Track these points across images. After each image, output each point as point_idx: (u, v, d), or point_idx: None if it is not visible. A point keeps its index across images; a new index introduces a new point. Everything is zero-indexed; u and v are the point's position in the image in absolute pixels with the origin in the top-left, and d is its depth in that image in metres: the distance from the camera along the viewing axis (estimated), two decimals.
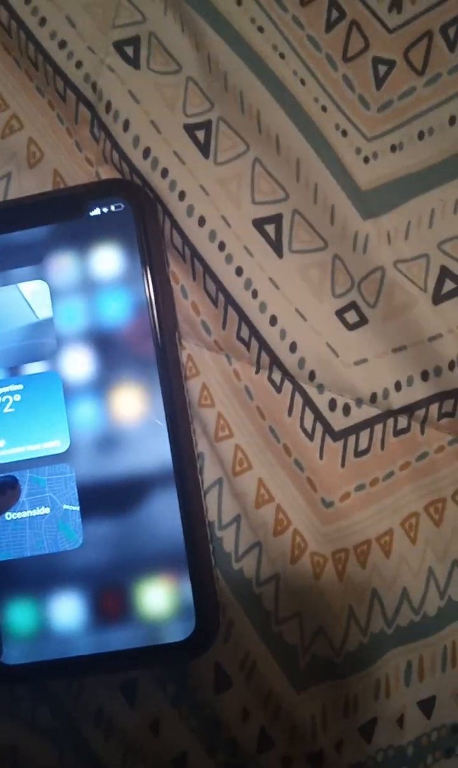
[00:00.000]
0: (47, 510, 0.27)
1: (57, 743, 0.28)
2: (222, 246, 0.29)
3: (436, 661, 0.28)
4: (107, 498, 0.27)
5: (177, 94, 0.30)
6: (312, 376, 0.29)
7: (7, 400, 0.28)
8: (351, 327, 0.29)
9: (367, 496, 0.28)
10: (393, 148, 0.30)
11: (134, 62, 0.30)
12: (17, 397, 0.28)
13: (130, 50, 0.30)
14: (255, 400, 0.29)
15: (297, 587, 0.28)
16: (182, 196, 0.29)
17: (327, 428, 0.29)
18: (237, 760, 0.28)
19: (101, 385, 0.28)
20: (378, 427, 0.29)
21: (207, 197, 0.29)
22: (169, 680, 0.28)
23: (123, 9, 0.31)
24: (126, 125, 0.30)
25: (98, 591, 0.27)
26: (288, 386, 0.29)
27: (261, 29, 0.31)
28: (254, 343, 0.29)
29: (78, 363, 0.28)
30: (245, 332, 0.29)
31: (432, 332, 0.28)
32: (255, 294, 0.29)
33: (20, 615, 0.27)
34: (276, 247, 0.29)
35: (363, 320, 0.29)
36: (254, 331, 0.29)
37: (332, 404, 0.29)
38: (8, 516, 0.27)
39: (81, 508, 0.27)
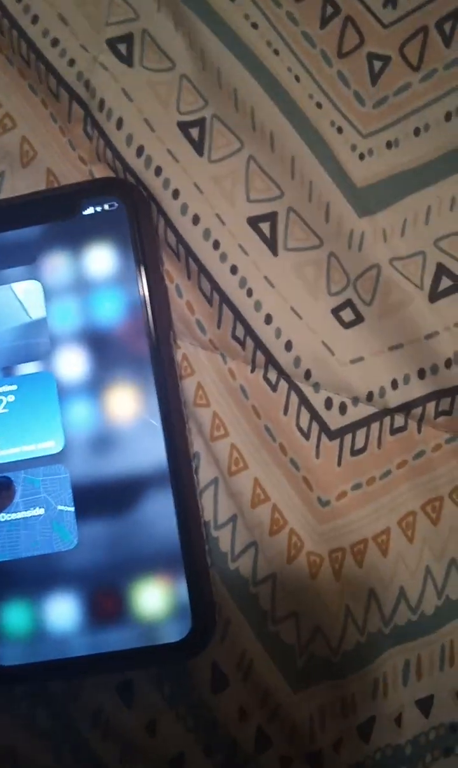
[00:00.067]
0: (42, 511, 0.27)
1: (55, 744, 0.28)
2: (216, 244, 0.29)
3: (434, 660, 0.28)
4: (102, 498, 0.27)
5: (170, 92, 0.30)
6: (307, 374, 0.29)
7: (1, 400, 0.28)
8: (347, 325, 0.29)
9: (364, 495, 0.28)
10: (388, 145, 0.30)
11: (127, 60, 0.30)
12: (11, 398, 0.28)
13: (123, 48, 0.30)
14: (250, 399, 0.29)
15: (293, 587, 0.28)
16: (176, 194, 0.29)
17: (324, 427, 0.29)
18: (235, 760, 0.28)
19: (95, 385, 0.28)
20: (375, 426, 0.29)
21: (201, 195, 0.29)
22: (166, 680, 0.28)
23: (116, 6, 0.31)
24: (119, 123, 0.30)
25: (94, 592, 0.26)
26: (283, 385, 0.29)
27: (255, 25, 0.30)
28: (249, 342, 0.29)
29: (72, 363, 0.28)
30: (240, 331, 0.29)
31: (429, 330, 0.28)
32: (250, 293, 0.29)
33: (16, 616, 0.26)
34: (271, 245, 0.29)
35: (359, 318, 0.29)
36: (249, 330, 0.29)
37: (328, 403, 0.29)
38: (2, 517, 0.27)
39: (76, 509, 0.27)
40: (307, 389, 0.29)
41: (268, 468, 0.28)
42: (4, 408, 0.28)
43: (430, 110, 0.30)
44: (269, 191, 0.30)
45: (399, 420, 0.29)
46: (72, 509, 0.27)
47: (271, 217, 0.30)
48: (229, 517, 0.28)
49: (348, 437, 0.29)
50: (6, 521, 0.27)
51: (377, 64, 0.30)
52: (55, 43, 0.30)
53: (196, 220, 0.29)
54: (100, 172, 0.31)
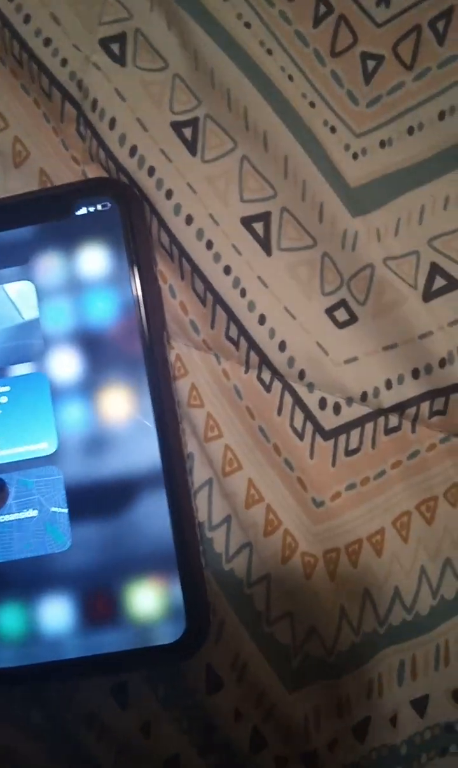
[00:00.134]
0: (35, 512, 0.27)
1: (50, 745, 0.28)
2: (210, 245, 0.29)
3: (429, 660, 0.28)
4: (96, 500, 0.27)
5: (163, 92, 0.30)
6: (301, 375, 0.28)
7: None
8: (340, 325, 0.29)
9: (358, 495, 0.28)
10: (382, 144, 0.30)
11: (120, 59, 0.30)
12: (4, 399, 0.28)
13: (116, 47, 0.30)
14: (244, 399, 0.29)
15: (288, 587, 0.28)
16: (169, 194, 0.29)
17: (318, 427, 0.29)
18: (230, 761, 0.28)
19: (89, 386, 0.27)
20: (369, 426, 0.29)
21: (194, 195, 0.29)
22: (160, 682, 0.28)
23: (109, 6, 0.31)
24: (112, 123, 0.29)
25: (88, 593, 0.26)
26: (277, 385, 0.29)
27: (248, 25, 0.30)
28: (243, 343, 0.29)
29: (65, 364, 0.28)
30: (234, 331, 0.29)
31: (423, 330, 0.28)
32: (243, 293, 0.29)
33: (9, 618, 0.26)
34: (265, 245, 0.29)
35: (352, 318, 0.29)
36: (243, 331, 0.29)
37: (322, 403, 0.29)
38: None
39: (69, 511, 0.27)
40: (301, 389, 0.29)
41: (262, 468, 0.28)
42: None
43: (424, 109, 0.30)
44: (262, 191, 0.30)
45: (393, 420, 0.29)
46: (65, 511, 0.27)
47: (265, 217, 0.29)
48: (224, 518, 0.28)
49: (342, 437, 0.29)
50: None
51: (370, 64, 0.30)
52: (47, 42, 0.30)
53: (189, 220, 0.29)
54: (93, 172, 0.30)
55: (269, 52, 0.30)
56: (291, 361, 0.28)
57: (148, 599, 0.26)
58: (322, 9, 0.31)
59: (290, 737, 0.28)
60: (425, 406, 0.28)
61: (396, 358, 0.28)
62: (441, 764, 0.28)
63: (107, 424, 0.27)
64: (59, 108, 0.31)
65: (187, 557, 0.26)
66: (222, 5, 0.30)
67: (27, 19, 0.31)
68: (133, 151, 0.29)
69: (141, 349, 0.27)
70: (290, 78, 0.30)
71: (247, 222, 0.29)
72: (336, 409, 0.29)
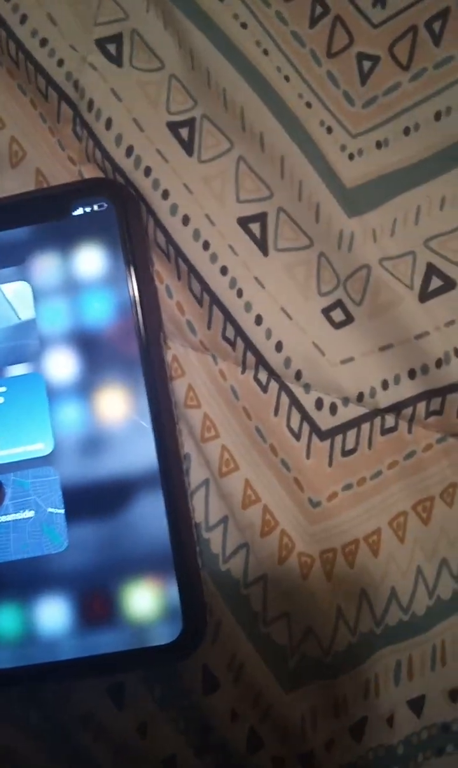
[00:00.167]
0: (31, 513, 0.27)
1: (49, 745, 0.28)
2: (206, 245, 0.29)
3: (425, 660, 0.28)
4: (92, 501, 0.27)
5: (160, 92, 0.30)
6: (298, 375, 0.28)
7: None
8: (337, 325, 0.29)
9: (355, 496, 0.28)
10: (378, 145, 0.30)
11: (117, 60, 0.30)
12: (0, 400, 0.28)
13: (112, 48, 0.30)
14: (241, 400, 0.29)
15: (285, 588, 0.28)
16: (165, 194, 0.29)
17: (314, 428, 0.29)
18: (227, 761, 0.28)
19: (85, 387, 0.27)
20: (366, 426, 0.29)
21: (190, 196, 0.29)
22: (157, 682, 0.28)
23: (105, 6, 0.31)
24: (108, 123, 0.29)
25: (84, 594, 0.26)
26: (274, 386, 0.29)
27: (244, 25, 0.30)
28: (240, 343, 0.29)
29: (61, 364, 0.28)
30: (230, 332, 0.29)
31: (419, 330, 0.28)
32: (240, 293, 0.29)
33: (6, 619, 0.26)
34: (262, 245, 0.29)
35: (349, 318, 0.29)
36: (239, 331, 0.29)
37: (319, 403, 0.29)
38: None
39: (66, 511, 0.27)
40: (298, 390, 0.29)
41: (259, 469, 0.28)
42: None
43: (420, 110, 0.30)
44: (259, 191, 0.30)
45: (389, 420, 0.29)
46: (62, 511, 0.27)
47: (261, 218, 0.29)
48: (220, 519, 0.28)
49: (338, 438, 0.29)
50: None
51: (366, 64, 0.30)
52: (43, 43, 0.30)
53: (185, 220, 0.29)
54: (90, 172, 0.30)
55: (265, 52, 0.30)
56: (287, 362, 0.28)
57: (145, 600, 0.26)
58: (318, 9, 0.30)
59: (287, 737, 0.28)
60: (421, 407, 0.28)
61: (392, 359, 0.28)
62: (438, 764, 0.28)
63: (104, 425, 0.27)
64: (56, 108, 0.31)
65: (183, 558, 0.26)
66: (218, 6, 0.30)
67: (23, 19, 0.31)
68: (129, 151, 0.29)
69: (137, 350, 0.27)
70: (286, 78, 0.30)
71: (244, 222, 0.29)
72: (333, 409, 0.29)
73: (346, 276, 0.29)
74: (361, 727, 0.28)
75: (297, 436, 0.29)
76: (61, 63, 0.30)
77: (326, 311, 0.29)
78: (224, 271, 0.29)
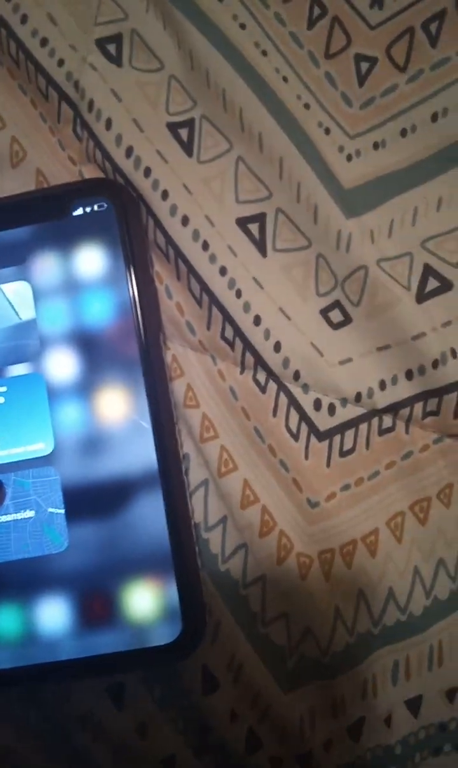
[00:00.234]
0: (32, 513, 0.27)
1: (48, 745, 0.28)
2: (205, 246, 0.29)
3: (423, 660, 0.28)
4: (92, 501, 0.27)
5: (159, 93, 0.30)
6: (296, 375, 0.29)
7: None
8: (335, 326, 0.29)
9: (353, 496, 0.28)
10: (375, 146, 0.30)
11: (116, 60, 0.30)
12: (0, 400, 0.28)
13: (112, 48, 0.30)
14: (240, 400, 0.29)
15: (283, 588, 0.28)
16: (165, 195, 0.29)
17: (313, 428, 0.29)
18: (226, 761, 0.28)
19: (85, 387, 0.27)
20: (363, 427, 0.29)
21: (190, 196, 0.29)
22: (156, 683, 0.28)
23: (105, 6, 0.31)
24: (108, 124, 0.29)
25: (84, 594, 0.26)
26: (272, 386, 0.29)
27: (243, 26, 0.30)
28: (238, 344, 0.29)
29: (62, 364, 0.28)
30: (229, 332, 0.29)
31: (416, 331, 0.28)
32: (239, 294, 0.29)
33: (6, 619, 0.26)
34: (260, 246, 0.29)
35: (347, 319, 0.29)
36: (238, 332, 0.29)
37: (317, 404, 0.29)
38: None
39: (66, 511, 0.27)
40: (296, 390, 0.29)
41: (258, 469, 0.29)
42: None
43: (417, 111, 0.30)
44: (258, 192, 0.30)
45: (387, 421, 0.29)
46: (62, 511, 0.27)
47: (260, 218, 0.30)
48: (219, 519, 0.28)
49: (336, 438, 0.29)
50: None
51: (364, 65, 0.30)
52: (44, 43, 0.30)
53: (185, 221, 0.29)
54: (90, 172, 0.30)
55: (264, 53, 0.30)
56: (286, 362, 0.29)
57: (145, 600, 0.26)
58: (317, 11, 0.31)
59: (285, 738, 0.28)
60: (418, 407, 0.28)
61: (389, 359, 0.28)
62: (435, 764, 0.28)
63: (103, 425, 0.27)
64: (56, 108, 0.31)
65: (183, 558, 0.26)
66: (217, 6, 0.31)
67: (24, 19, 0.31)
68: (129, 151, 0.29)
69: (137, 350, 0.27)
70: (285, 79, 0.30)
71: (243, 223, 0.29)
72: (331, 409, 0.29)
73: (344, 277, 0.29)
74: (359, 727, 0.28)
75: (296, 437, 0.29)
76: (61, 63, 0.30)
77: (324, 312, 0.29)
78: (223, 271, 0.29)
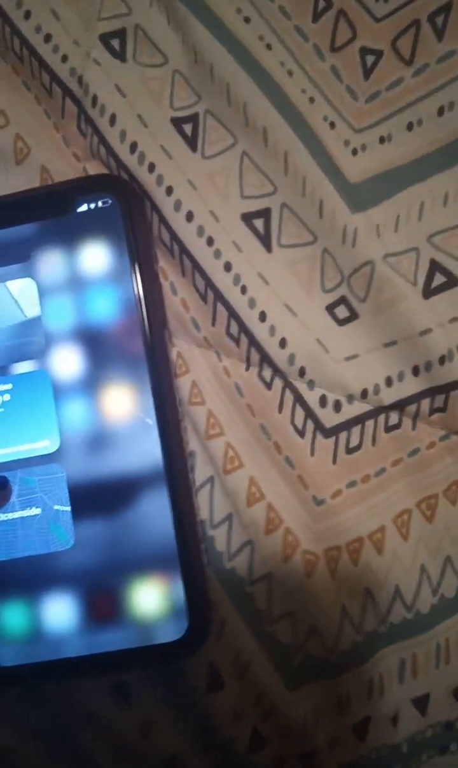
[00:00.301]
0: (38, 510, 0.27)
1: (50, 745, 0.28)
2: (210, 241, 0.29)
3: (430, 658, 0.28)
4: (98, 498, 0.27)
5: (163, 88, 0.30)
6: (302, 372, 0.28)
7: None
8: (341, 322, 0.29)
9: (359, 493, 0.28)
10: (381, 140, 0.29)
11: (120, 55, 0.30)
12: (6, 397, 0.28)
13: (116, 43, 0.30)
14: (245, 397, 0.29)
15: (289, 586, 0.28)
16: (170, 191, 0.29)
17: (318, 425, 0.29)
18: (230, 760, 0.28)
19: (91, 384, 0.27)
20: (370, 423, 0.28)
21: (195, 192, 0.29)
22: (161, 681, 0.28)
23: (108, 1, 0.31)
24: (112, 119, 0.29)
25: (90, 592, 0.26)
26: (278, 383, 0.29)
27: (247, 20, 0.30)
28: (244, 340, 0.29)
29: (67, 361, 0.28)
30: (234, 329, 0.29)
31: (423, 327, 0.28)
32: (244, 290, 0.29)
33: (12, 616, 0.27)
34: (265, 241, 0.29)
35: (353, 315, 0.29)
36: (243, 328, 0.29)
37: (323, 401, 0.29)
38: None
39: (72, 509, 0.27)
40: (302, 387, 0.29)
41: (263, 466, 0.28)
42: (0, 407, 0.28)
43: (423, 105, 0.29)
44: (263, 187, 0.29)
45: (393, 417, 0.28)
46: (68, 509, 0.27)
47: (265, 214, 0.29)
48: (225, 516, 0.28)
49: (343, 435, 0.28)
50: (2, 521, 0.27)
51: (369, 59, 0.30)
52: (47, 38, 0.30)
53: (189, 216, 0.29)
54: (94, 168, 0.30)
55: (268, 47, 0.30)
56: (291, 359, 0.28)
57: (150, 597, 0.26)
58: (321, 4, 0.30)
59: (290, 736, 0.28)
60: (425, 404, 0.28)
61: (396, 356, 0.28)
62: (442, 763, 0.27)
63: (109, 422, 0.27)
64: (60, 104, 0.31)
65: (188, 555, 0.26)
66: (221, 0, 0.30)
67: (27, 15, 0.31)
68: (133, 147, 0.29)
69: (142, 347, 0.27)
70: (289, 73, 0.30)
71: (248, 218, 0.29)
72: (337, 406, 0.29)
73: (350, 272, 0.29)
74: (365, 725, 0.28)
75: (302, 434, 0.29)
76: (65, 59, 0.30)
77: (330, 308, 0.29)
78: (228, 267, 0.29)
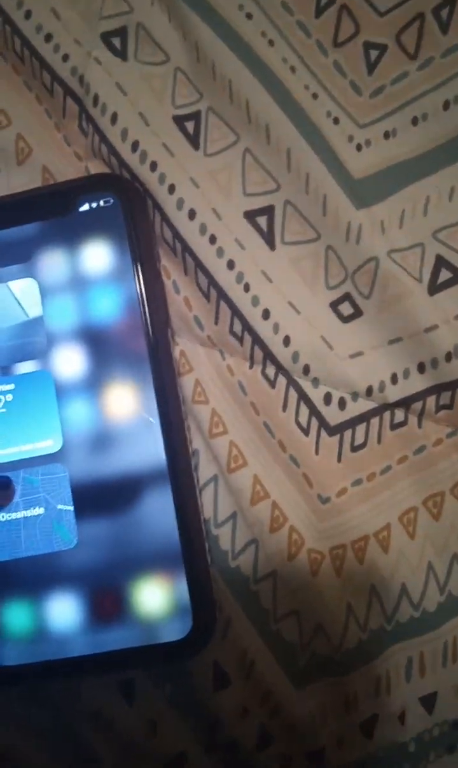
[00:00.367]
0: (41, 510, 0.27)
1: (55, 743, 0.28)
2: (213, 239, 0.29)
3: (437, 656, 0.28)
4: (101, 497, 0.27)
5: (165, 86, 0.30)
6: (306, 370, 0.28)
7: None
8: (345, 319, 0.29)
9: (364, 491, 0.28)
10: (386, 135, 0.29)
11: (122, 54, 0.30)
12: (9, 397, 0.28)
13: (117, 42, 0.30)
14: (249, 395, 0.29)
15: (294, 584, 0.28)
16: (172, 189, 0.29)
17: (323, 423, 0.28)
18: (236, 758, 0.28)
19: (93, 383, 0.27)
20: (375, 421, 0.28)
21: (197, 190, 0.29)
22: (167, 679, 0.28)
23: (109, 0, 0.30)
24: (114, 118, 0.29)
25: (94, 591, 0.26)
26: (282, 381, 0.29)
27: (249, 16, 0.30)
28: (247, 338, 0.29)
29: (69, 361, 0.28)
30: (238, 327, 0.29)
31: (428, 323, 0.28)
32: (247, 287, 0.29)
33: (16, 616, 0.26)
34: (269, 239, 0.29)
35: (357, 312, 0.29)
36: (247, 326, 0.29)
37: (327, 398, 0.28)
38: (2, 516, 0.27)
39: (75, 508, 0.27)
40: (306, 384, 0.28)
41: (268, 465, 0.28)
42: (2, 407, 0.28)
43: (428, 99, 0.29)
44: (266, 184, 0.29)
45: (399, 415, 0.28)
46: (71, 508, 0.27)
47: (268, 211, 0.29)
48: (229, 515, 0.28)
49: (347, 433, 0.28)
50: (6, 521, 0.27)
51: (373, 53, 0.30)
52: (48, 38, 0.30)
53: (192, 214, 0.29)
54: (96, 168, 0.30)
55: (271, 43, 0.30)
56: (295, 356, 0.28)
57: (155, 596, 0.26)
58: None
59: (296, 735, 0.27)
60: (431, 401, 0.28)
61: (401, 352, 0.28)
62: (449, 761, 0.27)
63: (112, 421, 0.27)
64: (61, 104, 0.30)
65: (193, 554, 0.26)
66: None
67: (28, 14, 0.31)
68: (135, 146, 0.29)
69: (145, 346, 0.27)
70: (292, 69, 0.30)
71: (251, 216, 0.29)
72: (342, 404, 0.28)
73: (354, 269, 0.28)
74: (372, 724, 0.27)
75: (306, 432, 0.28)
76: (66, 58, 0.30)
77: (334, 305, 0.29)
78: (231, 265, 0.29)
